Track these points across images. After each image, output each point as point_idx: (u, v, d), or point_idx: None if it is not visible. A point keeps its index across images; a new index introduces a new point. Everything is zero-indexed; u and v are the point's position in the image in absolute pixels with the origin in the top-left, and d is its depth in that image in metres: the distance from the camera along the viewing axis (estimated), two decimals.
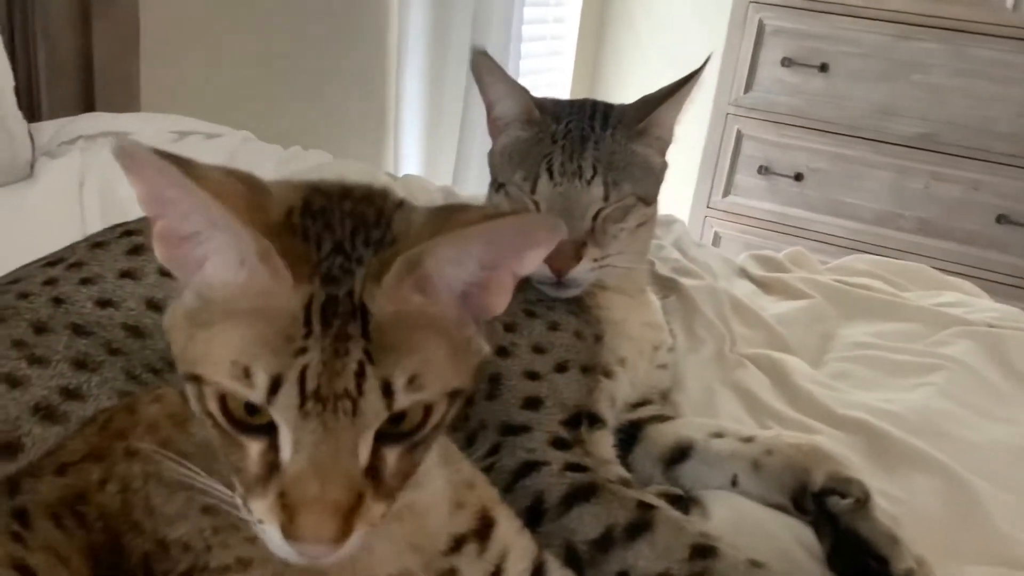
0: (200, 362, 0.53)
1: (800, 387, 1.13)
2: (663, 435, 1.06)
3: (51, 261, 1.00)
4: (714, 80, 3.02)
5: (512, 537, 0.73)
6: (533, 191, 1.08)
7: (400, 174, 1.74)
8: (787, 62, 2.94)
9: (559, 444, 0.95)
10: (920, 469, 1.02)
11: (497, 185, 1.14)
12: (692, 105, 1.14)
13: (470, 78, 2.69)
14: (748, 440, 1.02)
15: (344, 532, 0.51)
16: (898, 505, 0.95)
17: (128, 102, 2.07)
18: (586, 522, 0.86)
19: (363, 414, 0.51)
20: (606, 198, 1.07)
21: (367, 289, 0.52)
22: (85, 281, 0.96)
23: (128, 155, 0.50)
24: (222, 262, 0.54)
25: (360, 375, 0.50)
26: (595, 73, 3.77)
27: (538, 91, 1.16)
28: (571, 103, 1.15)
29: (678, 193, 3.11)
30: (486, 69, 1.12)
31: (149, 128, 1.70)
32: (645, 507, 0.87)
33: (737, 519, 0.94)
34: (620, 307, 1.14)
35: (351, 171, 1.61)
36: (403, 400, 0.52)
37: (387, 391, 0.51)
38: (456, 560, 0.68)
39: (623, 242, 1.10)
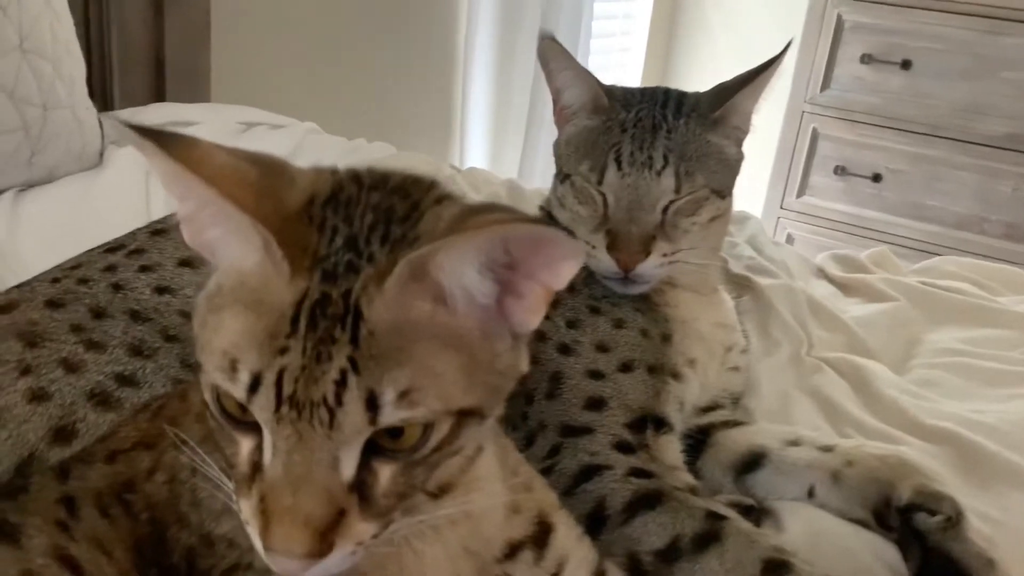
0: (203, 349, 0.51)
1: (883, 394, 1.06)
2: (735, 442, 1.00)
3: (112, 247, 0.99)
4: (789, 78, 2.93)
5: (571, 545, 0.68)
6: (600, 182, 1.03)
7: (465, 167, 1.71)
8: (867, 59, 2.83)
9: (623, 447, 0.90)
10: (1017, 486, 0.94)
11: (562, 176, 1.10)
12: (766, 104, 1.09)
13: (538, 71, 2.66)
14: (827, 449, 0.95)
15: (320, 549, 0.47)
16: (993, 525, 0.88)
17: (198, 93, 2.09)
18: (651, 531, 0.82)
19: (341, 427, 0.47)
20: (678, 190, 1.02)
21: (366, 291, 0.47)
22: (144, 268, 0.95)
23: (127, 136, 0.48)
24: (229, 247, 0.51)
25: (340, 384, 0.46)
26: (665, 70, 3.69)
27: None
28: (642, 91, 1.10)
29: (751, 193, 3.02)
30: (553, 55, 1.07)
31: (216, 118, 1.69)
32: (715, 517, 0.82)
33: (814, 533, 0.88)
34: (690, 306, 1.08)
35: (415, 163, 1.58)
36: (391, 416, 0.47)
37: (372, 404, 0.46)
38: (511, 567, 0.64)
39: (695, 237, 1.05)
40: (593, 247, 1.03)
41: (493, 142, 2.67)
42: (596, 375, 0.97)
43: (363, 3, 2.46)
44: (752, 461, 0.98)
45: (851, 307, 1.30)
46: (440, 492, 0.55)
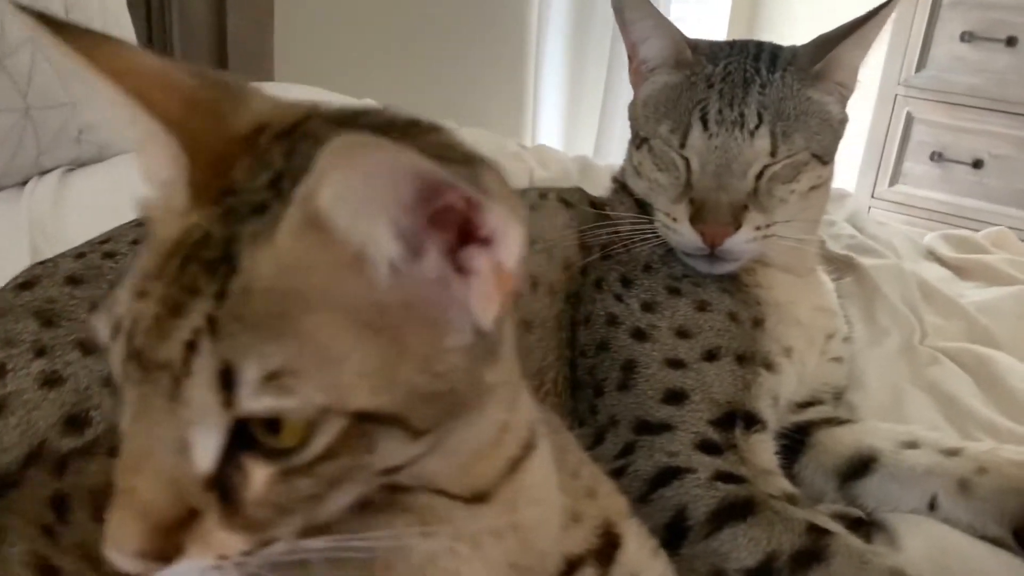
0: None
1: (1017, 390, 0.91)
2: (839, 442, 0.86)
3: (143, 221, 0.91)
4: (882, 57, 2.76)
5: (644, 560, 0.57)
6: (683, 145, 0.91)
7: (544, 145, 1.60)
8: (967, 36, 2.66)
9: (707, 448, 0.78)
10: None
11: (639, 141, 0.97)
12: (856, 86, 0.95)
13: (615, 44, 2.60)
14: (953, 453, 0.81)
15: (159, 550, 0.37)
16: None
17: (262, 75, 2.04)
18: (741, 546, 0.70)
19: (187, 402, 0.36)
20: (773, 152, 0.89)
21: (254, 238, 0.37)
22: None
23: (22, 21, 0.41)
24: (145, 162, 0.43)
25: (191, 348, 0.36)
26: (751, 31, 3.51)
27: None
28: (731, 43, 0.97)
29: (840, 181, 2.86)
30: (629, 3, 0.95)
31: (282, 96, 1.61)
32: (817, 532, 0.70)
33: (937, 552, 0.74)
34: (786, 287, 0.95)
35: (479, 139, 1.47)
36: (253, 401, 0.36)
37: (227, 380, 0.36)
38: None
39: (793, 207, 0.91)
40: (674, 219, 0.91)
41: (567, 119, 2.56)
42: (676, 364, 0.84)
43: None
44: (861, 465, 0.84)
45: (969, 291, 1.14)
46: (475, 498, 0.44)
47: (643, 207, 0.97)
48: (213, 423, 0.37)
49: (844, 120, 0.96)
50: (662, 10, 2.65)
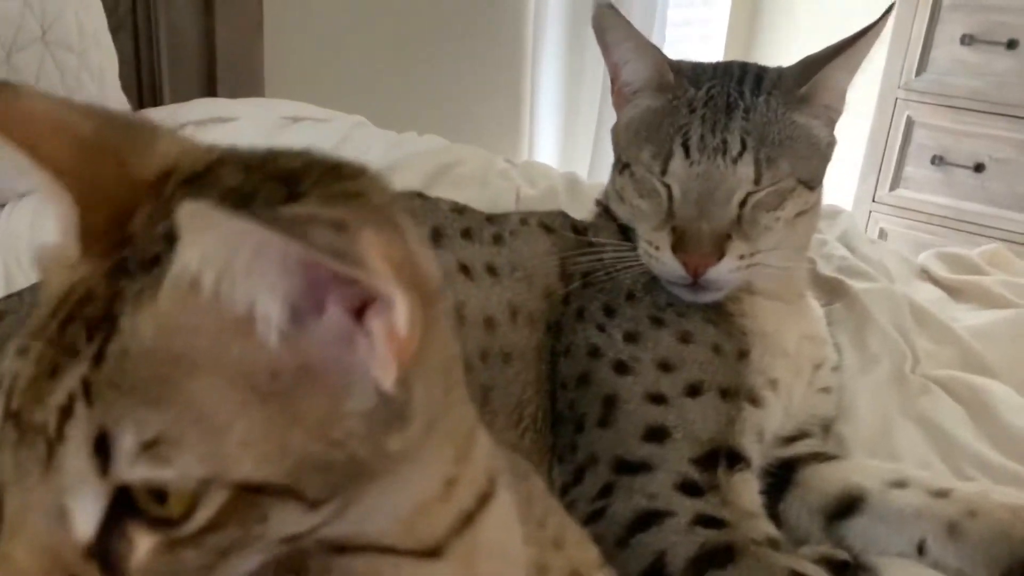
0: None
1: (1010, 425, 0.88)
2: (826, 480, 0.84)
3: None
4: (882, 61, 2.73)
5: None
6: (664, 172, 0.88)
7: (533, 162, 1.57)
8: (968, 39, 2.63)
9: (689, 489, 0.75)
10: None
11: (621, 165, 0.95)
12: (856, 90, 0.93)
13: None
14: (942, 494, 0.78)
15: None
16: None
17: (252, 87, 2.01)
18: None
19: (61, 469, 0.34)
20: (758, 180, 0.86)
21: (137, 297, 0.35)
22: None
23: None
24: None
25: (66, 413, 0.34)
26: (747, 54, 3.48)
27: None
28: (715, 65, 0.95)
29: (840, 186, 2.86)
30: (610, 25, 0.93)
31: (259, 113, 1.59)
32: None
33: None
34: (772, 315, 0.92)
35: (466, 156, 1.45)
36: (128, 470, 0.34)
37: (102, 448, 0.34)
38: None
39: (778, 235, 0.89)
40: (656, 247, 0.88)
41: (564, 136, 2.53)
42: (658, 399, 0.82)
43: (434, 8, 2.34)
44: (847, 505, 0.81)
45: (963, 315, 1.12)
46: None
47: (626, 232, 0.95)
48: (90, 491, 0.35)
49: (832, 143, 0.93)
50: (658, 18, 2.71)
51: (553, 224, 0.99)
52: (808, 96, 0.90)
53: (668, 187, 0.89)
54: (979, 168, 2.65)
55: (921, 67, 2.70)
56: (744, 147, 0.86)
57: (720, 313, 0.90)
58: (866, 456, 0.87)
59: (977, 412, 0.91)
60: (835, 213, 1.35)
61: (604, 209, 1.00)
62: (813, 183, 0.91)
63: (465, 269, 0.90)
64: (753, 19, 3.46)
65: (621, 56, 0.94)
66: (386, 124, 1.74)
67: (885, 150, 2.79)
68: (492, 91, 2.58)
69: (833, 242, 1.21)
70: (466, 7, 2.44)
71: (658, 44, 2.70)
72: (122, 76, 1.78)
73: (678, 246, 0.86)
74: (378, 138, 1.54)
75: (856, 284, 1.07)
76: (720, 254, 0.86)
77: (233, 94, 1.89)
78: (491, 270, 0.91)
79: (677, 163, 0.87)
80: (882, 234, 2.87)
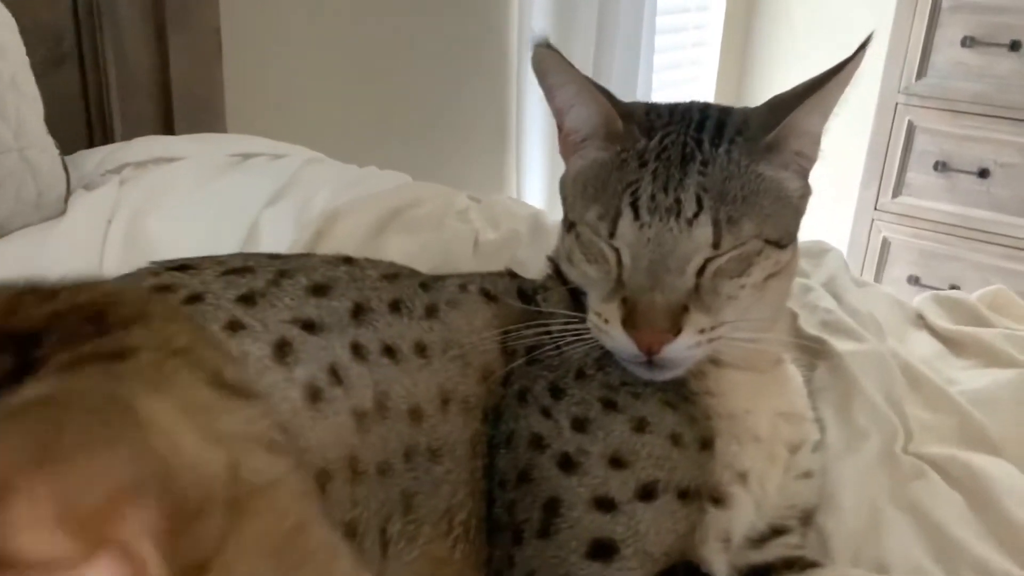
0: None
1: (1015, 519, 0.76)
2: None
3: None
4: (880, 65, 2.64)
5: None
6: (612, 235, 0.77)
7: (525, 200, 1.44)
8: (969, 41, 2.59)
9: None
10: None
11: (568, 224, 0.84)
12: (854, 96, 0.81)
13: None
14: None
15: None
16: None
17: (212, 120, 1.91)
18: None
19: None
20: (717, 243, 0.75)
21: None
22: None
23: None
24: None
25: None
26: (743, 73, 3.37)
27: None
28: (671, 109, 0.83)
29: (841, 195, 2.81)
30: (551, 66, 0.82)
31: (206, 151, 1.49)
32: None
33: None
34: (743, 391, 0.81)
35: (424, 195, 1.34)
36: None
37: None
38: None
39: (744, 304, 0.78)
40: (605, 320, 0.77)
41: (552, 168, 2.43)
42: (606, 505, 0.71)
43: (406, 24, 2.23)
44: None
45: (963, 374, 1.00)
46: None
47: (578, 296, 0.84)
48: None
49: (805, 195, 0.82)
50: (646, 26, 2.59)
51: (496, 290, 0.88)
52: (776, 144, 0.79)
53: (617, 252, 0.78)
54: (984, 174, 2.61)
55: (921, 71, 2.65)
56: (700, 207, 0.75)
57: (681, 392, 0.79)
58: (850, 557, 0.75)
59: (977, 501, 0.79)
60: (821, 252, 1.23)
61: (555, 269, 0.90)
62: (783, 241, 0.80)
63: (390, 351, 0.79)
64: (749, 24, 3.35)
65: (564, 101, 0.83)
66: (362, 161, 1.63)
67: (886, 157, 2.74)
68: (475, 124, 2.48)
69: (818, 289, 1.09)
70: (447, 35, 2.34)
71: (646, 54, 2.65)
72: (69, 112, 1.69)
73: (629, 320, 0.75)
74: (331, 176, 1.43)
75: (842, 344, 0.95)
76: (676, 329, 0.75)
77: (192, 128, 1.79)
78: (420, 350, 0.80)
79: (626, 225, 0.76)
80: (885, 244, 2.83)
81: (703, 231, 0.75)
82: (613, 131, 0.81)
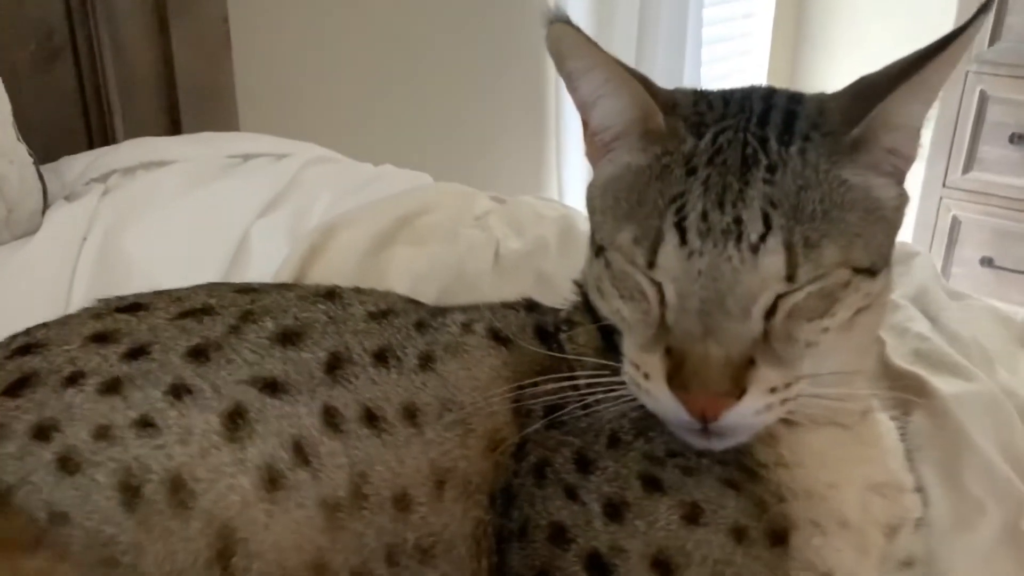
0: None
1: None
2: None
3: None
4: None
5: None
6: (651, 264, 0.59)
7: (567, 202, 1.26)
8: None
9: None
10: None
11: (596, 248, 0.66)
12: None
13: None
14: None
15: None
16: None
17: (222, 118, 1.76)
18: None
19: None
20: (791, 276, 0.57)
21: None
22: None
23: None
24: None
25: None
26: (795, 62, 3.13)
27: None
28: (726, 97, 0.65)
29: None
30: (571, 47, 0.64)
31: (201, 153, 1.34)
32: None
33: None
34: (824, 457, 0.64)
35: (437, 200, 1.17)
36: None
37: None
38: None
39: (827, 351, 0.59)
40: (645, 375, 0.60)
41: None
42: None
43: (435, 6, 2.05)
44: None
45: None
46: None
47: (612, 335, 0.67)
48: None
49: (902, 204, 0.64)
50: (691, 69, 2.41)
51: (508, 328, 0.71)
52: (864, 140, 0.60)
53: (659, 287, 0.60)
54: None
55: (995, 36, 2.48)
56: (768, 226, 0.57)
57: (745, 466, 0.62)
58: None
59: None
60: (908, 256, 1.03)
61: (583, 299, 0.72)
62: (876, 267, 0.61)
63: (371, 418, 0.63)
64: (800, 9, 3.11)
65: (589, 91, 0.65)
66: (386, 158, 1.47)
67: (956, 129, 2.57)
68: (510, 114, 2.30)
69: (907, 307, 0.90)
70: (479, 19, 2.16)
71: (692, 65, 2.46)
72: (65, 113, 1.56)
73: (676, 378, 0.58)
74: (335, 179, 1.27)
75: (944, 383, 0.76)
76: (739, 390, 0.57)
77: (200, 126, 1.65)
78: (410, 415, 0.63)
79: (670, 253, 0.58)
80: (955, 223, 2.67)
81: (773, 260, 0.56)
82: (652, 128, 0.63)
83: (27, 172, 1.19)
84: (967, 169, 2.58)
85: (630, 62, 2.43)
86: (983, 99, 2.50)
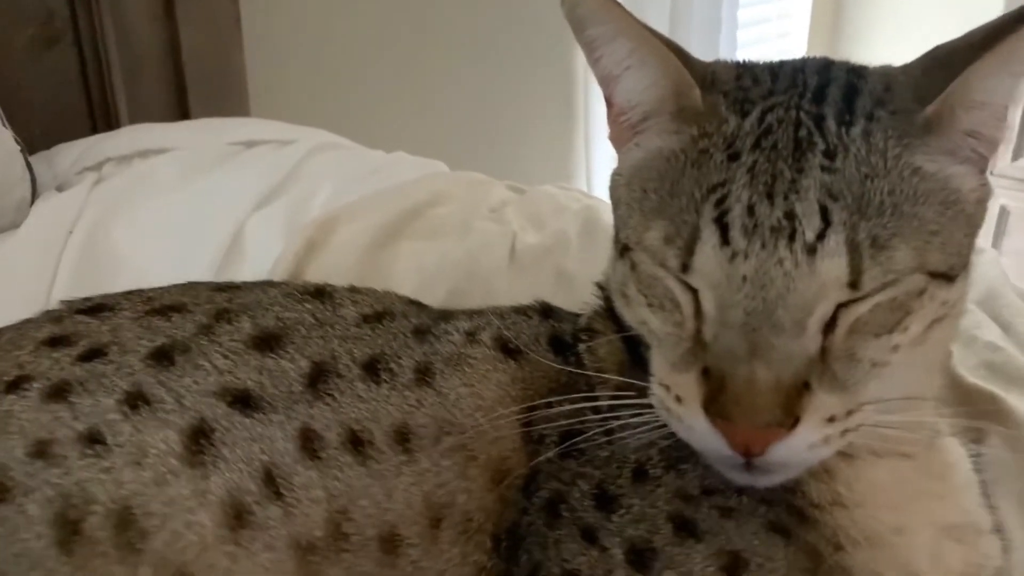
0: None
1: None
2: None
3: None
4: (1000, 4, 2.28)
5: None
6: (685, 268, 0.50)
7: (546, 191, 1.17)
8: None
9: None
10: None
11: (621, 247, 0.57)
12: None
13: None
14: None
15: None
16: None
17: (233, 102, 1.69)
18: None
19: None
20: (855, 282, 0.47)
21: None
22: None
23: None
24: None
25: None
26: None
27: None
28: (774, 70, 0.56)
29: None
30: (590, 10, 0.54)
31: (204, 139, 1.26)
32: None
33: None
34: (888, 496, 0.54)
35: (450, 190, 1.08)
36: None
37: None
38: None
39: (897, 371, 0.50)
40: (677, 399, 0.51)
41: None
42: None
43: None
44: None
45: None
46: None
47: (639, 347, 0.57)
48: None
49: (984, 197, 0.54)
50: (726, 18, 2.32)
51: (519, 339, 0.61)
52: (940, 121, 0.51)
53: (695, 295, 0.50)
54: None
55: None
56: (827, 222, 0.47)
57: (795, 507, 0.52)
58: None
59: None
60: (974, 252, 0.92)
61: (605, 304, 0.63)
62: (954, 270, 0.51)
63: (356, 443, 0.54)
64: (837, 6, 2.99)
65: (613, 62, 0.56)
66: (403, 146, 1.38)
67: None
68: (536, 99, 2.20)
69: (975, 312, 0.80)
70: (507, 6, 2.06)
71: (727, 47, 2.37)
72: (67, 99, 1.50)
73: (715, 405, 0.48)
74: (341, 167, 1.19)
75: (1021, 403, 0.66)
76: (792, 420, 0.47)
77: (210, 111, 1.58)
78: (402, 438, 0.55)
79: (708, 254, 0.49)
80: (1003, 213, 2.56)
81: (833, 262, 0.47)
82: (688, 106, 0.53)
83: (13, 161, 1.12)
84: (1017, 156, 2.46)
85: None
86: None
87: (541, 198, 1.12)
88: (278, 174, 1.12)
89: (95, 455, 0.51)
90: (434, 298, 0.92)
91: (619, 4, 0.53)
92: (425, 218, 1.00)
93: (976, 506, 0.59)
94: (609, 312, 0.62)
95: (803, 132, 0.50)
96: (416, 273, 0.92)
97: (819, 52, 2.41)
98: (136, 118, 1.52)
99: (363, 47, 1.86)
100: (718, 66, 0.56)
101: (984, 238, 2.64)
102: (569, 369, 0.59)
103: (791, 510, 0.52)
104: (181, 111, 1.62)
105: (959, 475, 0.59)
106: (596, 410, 0.56)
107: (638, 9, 2.11)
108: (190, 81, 1.64)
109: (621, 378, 0.56)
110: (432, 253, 0.95)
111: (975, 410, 0.66)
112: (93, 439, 0.52)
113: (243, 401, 0.55)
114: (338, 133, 1.42)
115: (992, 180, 1.93)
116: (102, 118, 1.56)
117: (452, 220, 1.00)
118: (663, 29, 2.17)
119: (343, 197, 1.05)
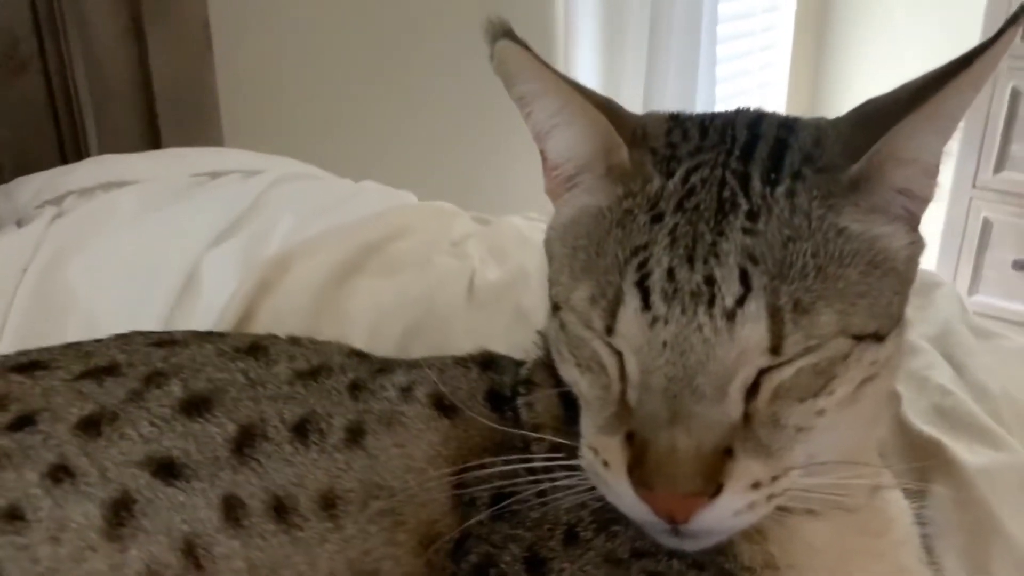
0: None
1: None
2: None
3: None
4: (979, 25, 2.29)
5: None
6: (610, 330, 0.49)
7: (511, 223, 1.17)
8: None
9: None
10: None
11: (552, 304, 0.56)
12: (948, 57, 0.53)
13: (649, 95, 2.19)
14: None
15: None
16: None
17: (205, 131, 1.67)
18: None
19: None
20: (776, 348, 0.47)
21: None
22: None
23: None
24: None
25: None
26: (817, 78, 3.00)
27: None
28: (704, 124, 0.55)
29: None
30: (519, 68, 0.54)
31: (165, 172, 1.25)
32: None
33: None
34: (826, 555, 0.53)
35: (413, 223, 1.07)
36: None
37: None
38: None
39: (824, 434, 0.49)
40: (604, 463, 0.50)
41: None
42: None
43: (438, 22, 1.95)
44: None
45: None
46: None
47: (575, 403, 0.56)
48: None
49: (915, 253, 0.53)
50: (705, 70, 2.30)
51: (456, 394, 0.61)
52: (867, 178, 0.50)
53: (619, 358, 0.50)
54: None
55: None
56: (748, 287, 0.46)
57: (726, 571, 0.51)
58: None
59: None
60: (929, 287, 0.92)
61: (546, 353, 0.62)
62: (883, 329, 0.50)
63: (279, 509, 0.53)
64: (822, 20, 2.99)
65: (542, 119, 0.55)
66: (379, 174, 1.37)
67: (987, 127, 2.49)
68: (517, 130, 2.17)
69: (928, 351, 0.79)
70: (479, 43, 2.06)
71: (707, 66, 2.37)
72: (34, 128, 1.48)
73: (638, 472, 0.48)
74: (305, 198, 1.17)
75: (969, 452, 0.65)
76: (714, 487, 0.47)
77: (182, 138, 1.56)
78: (328, 504, 0.54)
79: (630, 318, 0.48)
80: (986, 225, 2.58)
81: (753, 328, 0.46)
82: (616, 164, 0.53)
83: None
84: (999, 168, 2.49)
85: (640, 79, 2.31)
86: (1015, 95, 2.40)
87: (505, 229, 1.11)
88: (239, 206, 1.11)
89: (13, 532, 0.51)
90: (390, 336, 0.91)
91: (545, 62, 0.53)
92: (385, 253, 0.99)
93: (917, 563, 0.58)
94: (549, 363, 0.61)
95: (727, 192, 0.49)
96: (372, 311, 0.91)
97: (802, 68, 2.38)
98: (106, 148, 1.50)
99: (338, 75, 1.86)
100: (650, 120, 0.56)
101: (967, 251, 2.63)
102: (504, 429, 0.58)
103: (722, 574, 0.51)
104: (153, 140, 1.60)
105: (899, 530, 0.58)
106: (531, 471, 0.55)
107: (619, 52, 2.13)
108: (161, 108, 1.62)
109: (554, 439, 0.55)
110: (389, 290, 0.94)
111: (922, 458, 0.65)
112: (12, 515, 0.51)
113: (167, 470, 0.54)
114: (312, 160, 1.41)
115: (975, 192, 1.91)
116: (71, 148, 1.55)
117: (412, 255, 0.99)
118: (641, 66, 2.18)
119: (304, 231, 1.04)
